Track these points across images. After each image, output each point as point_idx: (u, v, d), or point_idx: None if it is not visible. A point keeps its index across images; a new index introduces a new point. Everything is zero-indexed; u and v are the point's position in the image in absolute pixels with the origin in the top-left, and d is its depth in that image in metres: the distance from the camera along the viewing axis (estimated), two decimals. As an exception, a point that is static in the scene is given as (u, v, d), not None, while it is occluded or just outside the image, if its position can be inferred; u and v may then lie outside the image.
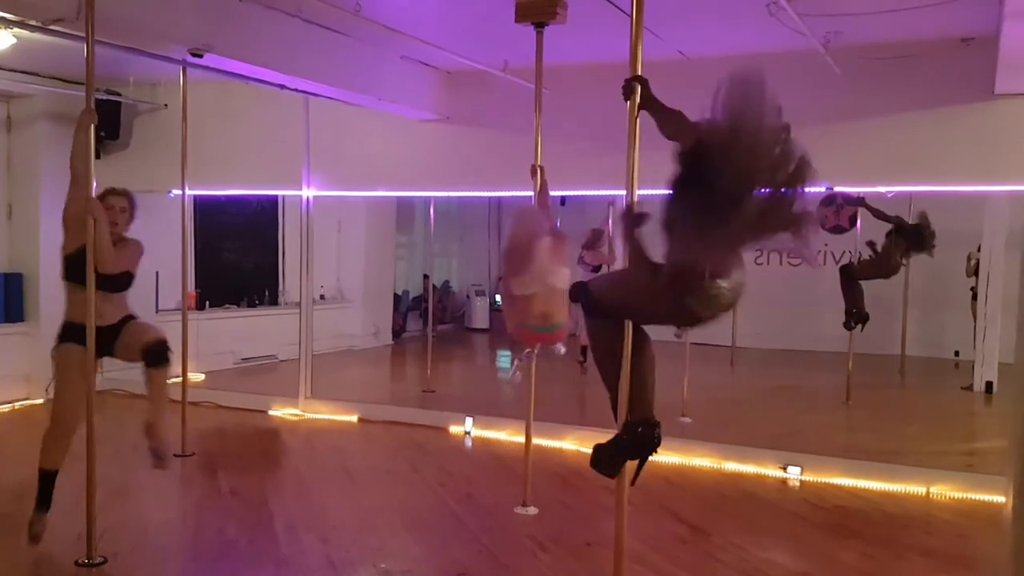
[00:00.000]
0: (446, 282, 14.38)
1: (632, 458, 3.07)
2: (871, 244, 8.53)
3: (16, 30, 5.50)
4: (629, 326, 3.06)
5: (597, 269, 9.17)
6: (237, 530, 4.70)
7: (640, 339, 3.08)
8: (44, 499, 4.30)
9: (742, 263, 2.87)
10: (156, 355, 4.25)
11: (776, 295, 11.83)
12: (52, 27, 4.55)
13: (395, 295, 13.11)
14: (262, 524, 4.82)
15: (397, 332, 12.95)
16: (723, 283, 2.78)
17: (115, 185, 4.59)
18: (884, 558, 4.55)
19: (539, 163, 5.09)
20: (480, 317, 14.29)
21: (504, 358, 12.50)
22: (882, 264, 8.43)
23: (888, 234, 8.36)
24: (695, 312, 2.83)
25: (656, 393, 3.16)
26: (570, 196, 9.38)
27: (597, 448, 3.15)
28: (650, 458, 3.08)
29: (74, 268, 4.19)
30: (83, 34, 4.04)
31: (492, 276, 14.95)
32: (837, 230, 11.42)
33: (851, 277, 8.56)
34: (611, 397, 3.16)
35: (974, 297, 9.89)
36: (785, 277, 12.16)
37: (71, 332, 4.23)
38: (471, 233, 14.32)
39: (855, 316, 8.45)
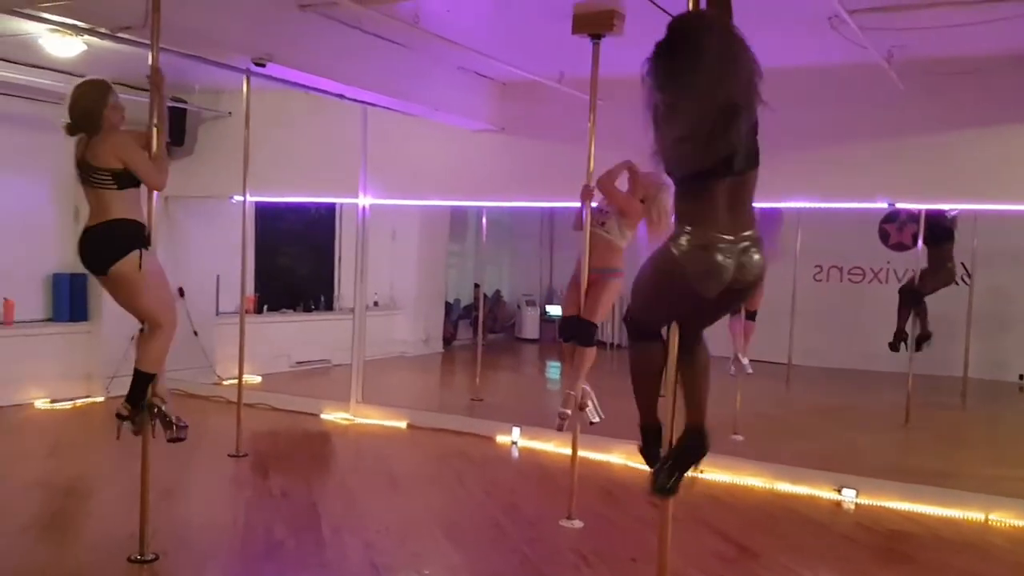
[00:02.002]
0: (497, 291, 14.41)
1: (685, 467, 3.06)
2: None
3: (86, 37, 5.70)
4: (674, 336, 3.03)
5: None
6: (285, 531, 4.77)
7: (694, 348, 3.05)
8: (141, 396, 4.27)
9: (759, 242, 2.80)
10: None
11: (834, 312, 11.62)
12: (120, 34, 4.69)
13: (446, 303, 13.19)
14: (309, 526, 4.88)
15: (447, 340, 13.02)
16: (723, 244, 2.71)
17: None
18: (938, 586, 4.43)
19: (591, 183, 5.11)
20: (530, 327, 14.29)
21: (554, 369, 12.48)
22: (941, 272, 8.25)
23: (937, 241, 8.19)
24: (683, 265, 2.73)
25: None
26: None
27: (654, 475, 3.15)
28: (696, 472, 3.06)
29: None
30: (150, 41, 4.17)
31: (543, 286, 14.96)
32: (899, 247, 11.18)
33: (916, 295, 8.37)
34: (641, 422, 3.20)
35: None
36: (844, 294, 11.97)
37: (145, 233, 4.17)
38: (523, 243, 14.34)
39: (904, 340, 8.32)
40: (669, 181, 4.83)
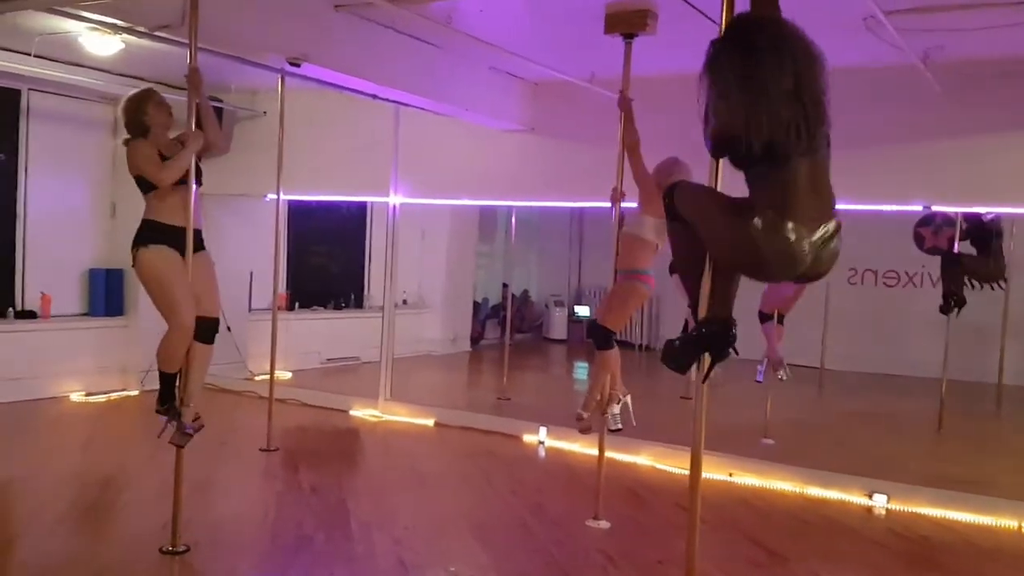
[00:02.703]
0: (525, 291, 14.42)
1: (704, 353, 2.98)
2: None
3: (124, 36, 5.80)
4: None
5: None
6: (314, 526, 4.81)
7: None
8: (168, 397, 4.38)
9: (834, 224, 2.76)
10: (210, 331, 4.40)
11: (868, 316, 11.50)
12: (158, 33, 4.76)
13: (474, 303, 13.22)
14: (338, 521, 4.92)
15: (475, 339, 13.06)
16: (805, 232, 2.67)
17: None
18: (971, 594, 4.37)
19: (620, 186, 5.08)
20: (558, 328, 14.29)
21: (581, 369, 12.46)
22: (989, 265, 8.12)
23: (983, 240, 8.07)
24: (760, 247, 2.67)
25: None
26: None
27: (669, 343, 3.10)
28: (726, 362, 2.99)
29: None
30: (187, 40, 4.23)
31: (571, 286, 14.94)
32: (934, 251, 11.01)
33: (955, 264, 8.25)
34: (691, 303, 3.06)
35: None
36: (878, 298, 11.83)
37: (162, 233, 4.24)
38: (551, 243, 14.34)
39: (954, 301, 8.17)
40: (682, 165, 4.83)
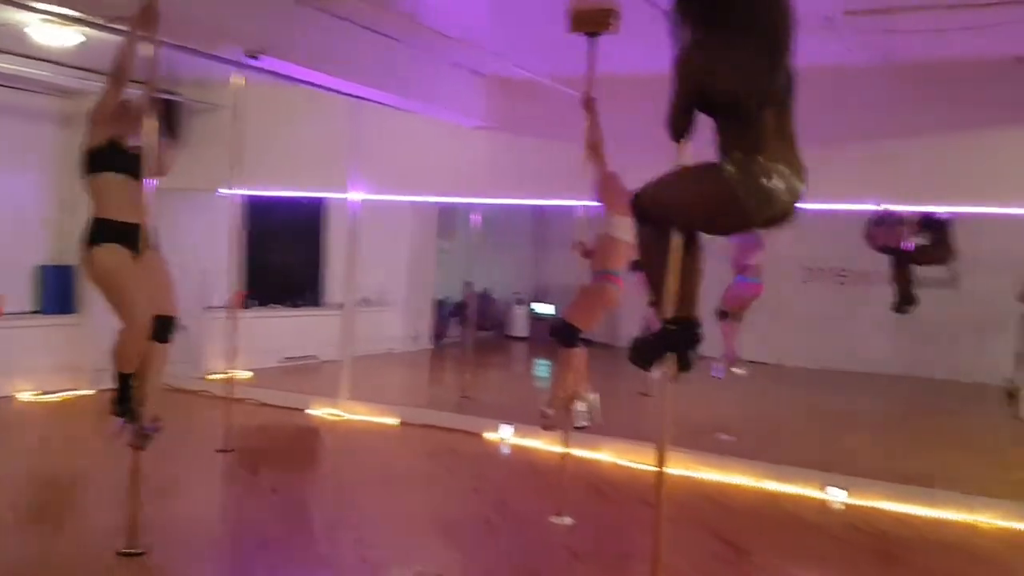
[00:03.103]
0: (486, 289, 14.39)
1: (670, 351, 3.04)
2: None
3: (82, 28, 5.65)
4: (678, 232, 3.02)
5: None
6: (276, 527, 4.75)
7: (691, 244, 3.05)
8: (124, 398, 4.27)
9: (802, 167, 2.81)
10: (167, 330, 4.31)
11: (821, 314, 11.69)
12: (115, 25, 4.65)
13: (436, 301, 13.17)
14: (300, 522, 4.86)
15: (437, 337, 13.00)
16: (777, 168, 2.73)
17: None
18: (927, 586, 4.45)
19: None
20: (519, 325, 14.30)
21: (543, 367, 12.48)
22: (939, 249, 8.28)
23: (936, 223, 8.24)
24: (735, 190, 2.72)
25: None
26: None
27: (636, 341, 3.16)
28: (690, 361, 3.05)
29: (106, 158, 4.15)
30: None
31: (533, 285, 14.95)
32: (885, 250, 11.22)
33: (905, 261, 8.41)
34: (655, 304, 3.11)
35: None
36: (830, 296, 12.04)
37: (111, 231, 4.12)
38: (512, 241, 14.32)
39: (906, 301, 8.32)
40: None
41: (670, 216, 3.00)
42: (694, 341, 3.04)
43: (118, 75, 4.16)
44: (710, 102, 2.79)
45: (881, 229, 11.33)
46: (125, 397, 4.28)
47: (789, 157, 2.79)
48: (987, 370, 10.46)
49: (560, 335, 5.07)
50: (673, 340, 3.02)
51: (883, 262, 10.53)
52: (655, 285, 3.09)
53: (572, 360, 5.05)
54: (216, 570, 4.25)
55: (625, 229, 4.97)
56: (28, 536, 4.51)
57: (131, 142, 4.29)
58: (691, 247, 3.05)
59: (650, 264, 3.13)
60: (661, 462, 3.19)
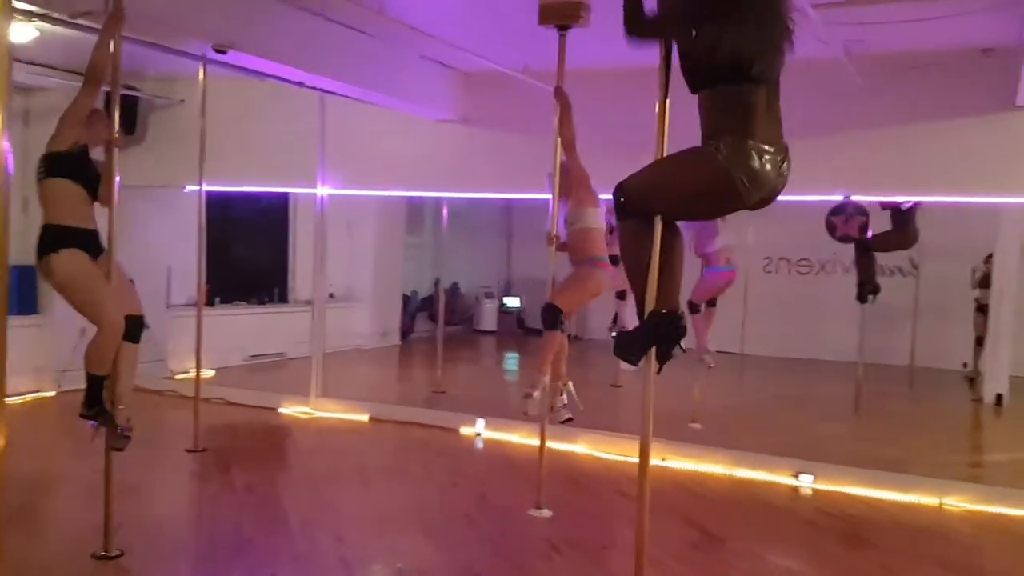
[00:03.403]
0: (454, 284, 14.37)
1: (655, 345, 3.06)
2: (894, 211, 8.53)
3: (39, 23, 5.52)
4: (659, 223, 3.02)
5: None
6: (253, 526, 4.70)
7: (671, 236, 3.07)
8: (96, 399, 4.20)
9: (786, 147, 2.84)
10: (138, 329, 4.27)
11: (783, 303, 11.87)
12: (79, 20, 4.56)
13: (403, 296, 13.11)
14: (277, 521, 4.82)
15: (405, 333, 12.95)
16: (767, 150, 2.76)
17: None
18: (899, 568, 4.54)
19: (556, 175, 5.09)
20: (488, 319, 14.31)
21: (512, 360, 12.51)
22: (904, 234, 8.44)
23: (904, 210, 8.39)
24: (730, 173, 2.75)
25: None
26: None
27: (621, 335, 3.18)
28: (675, 354, 3.08)
29: (71, 165, 4.09)
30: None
31: (501, 279, 14.97)
32: (846, 239, 11.40)
33: (867, 249, 8.57)
34: (638, 299, 3.11)
35: (977, 309, 9.90)
36: (792, 285, 12.23)
37: (71, 237, 4.07)
38: (481, 235, 14.31)
39: (868, 289, 8.47)
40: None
41: (655, 205, 3.00)
42: (678, 333, 3.05)
43: (94, 77, 4.09)
44: (712, 61, 2.77)
45: (840, 219, 11.54)
46: (98, 399, 4.21)
47: (776, 138, 2.82)
48: (947, 356, 10.71)
49: (543, 316, 5.06)
50: (659, 333, 3.03)
51: (845, 251, 10.78)
52: (638, 278, 3.09)
53: (553, 342, 5.05)
54: (195, 571, 4.20)
55: (600, 218, 5.04)
56: (3, 540, 4.40)
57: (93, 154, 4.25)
58: (671, 238, 3.06)
59: (634, 257, 3.11)
60: (645, 454, 3.22)
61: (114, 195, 4.14)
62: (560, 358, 5.14)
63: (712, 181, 2.81)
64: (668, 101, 3.04)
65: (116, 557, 4.13)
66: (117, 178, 4.15)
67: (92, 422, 4.23)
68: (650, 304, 3.03)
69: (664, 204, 3.00)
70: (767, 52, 2.76)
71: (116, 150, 4.15)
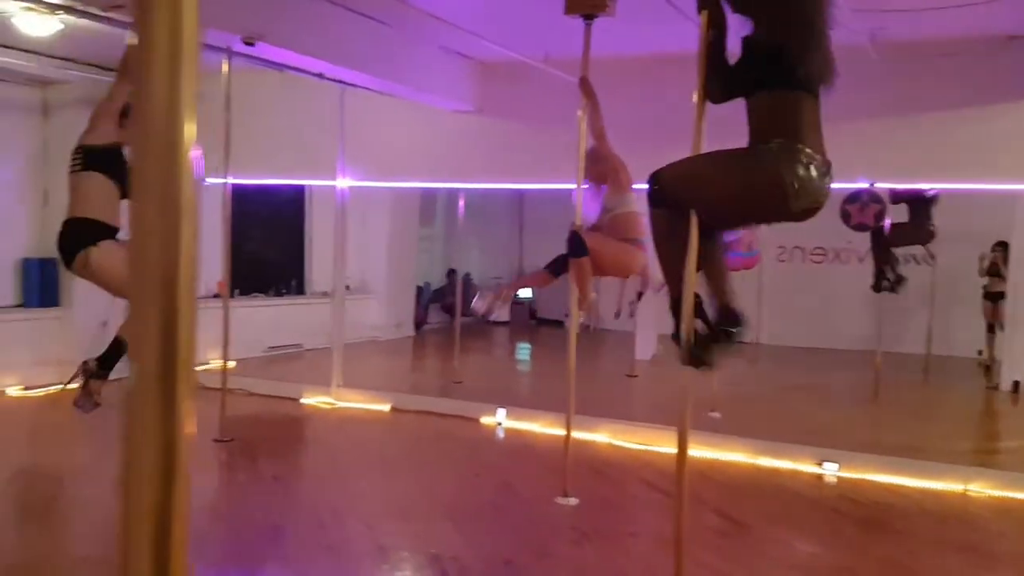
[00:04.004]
0: (467, 274, 14.40)
1: (720, 344, 3.05)
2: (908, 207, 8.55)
3: (63, 16, 5.55)
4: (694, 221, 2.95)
5: None
6: (283, 515, 4.75)
7: (714, 235, 3.04)
8: (111, 365, 4.28)
9: (828, 162, 2.80)
10: None
11: (798, 292, 11.87)
12: (110, 14, 4.59)
13: (417, 287, 13.15)
14: (307, 510, 4.87)
15: (418, 324, 13.00)
16: (816, 158, 2.72)
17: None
18: (926, 554, 4.57)
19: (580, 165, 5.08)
20: (501, 310, 14.31)
21: (524, 350, 12.55)
22: (920, 231, 8.45)
23: (922, 201, 8.40)
24: (781, 176, 2.68)
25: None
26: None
27: (688, 342, 3.04)
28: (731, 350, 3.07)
29: (108, 160, 4.15)
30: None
31: (513, 269, 14.99)
32: (861, 228, 11.39)
33: (884, 243, 8.59)
34: (672, 295, 3.07)
35: (985, 296, 9.90)
36: (807, 274, 12.22)
37: (103, 230, 4.15)
38: (493, 226, 14.34)
39: (892, 280, 8.51)
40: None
41: (692, 202, 2.93)
42: (739, 329, 3.04)
43: (128, 72, 4.12)
44: (779, 67, 2.75)
45: (856, 207, 11.52)
46: (112, 366, 4.25)
47: (821, 150, 2.78)
48: (961, 343, 10.72)
49: (568, 244, 4.98)
50: (725, 336, 3.02)
51: (860, 240, 10.77)
52: (672, 272, 3.05)
53: (583, 266, 4.95)
54: (235, 560, 4.24)
55: (637, 203, 4.99)
56: (38, 531, 4.47)
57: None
58: (712, 239, 3.02)
59: (666, 251, 3.08)
60: (683, 446, 3.23)
61: None
62: (588, 279, 5.07)
63: (760, 182, 2.74)
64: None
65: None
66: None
67: (83, 372, 4.29)
68: (688, 299, 2.99)
69: (703, 201, 2.93)
70: (825, 62, 2.77)
71: None
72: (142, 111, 0.90)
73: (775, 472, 6.06)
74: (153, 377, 0.87)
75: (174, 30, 0.86)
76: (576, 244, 4.96)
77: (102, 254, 4.09)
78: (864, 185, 7.34)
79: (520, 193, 13.66)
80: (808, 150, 2.70)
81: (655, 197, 3.04)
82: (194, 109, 0.88)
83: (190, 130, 0.87)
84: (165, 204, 0.87)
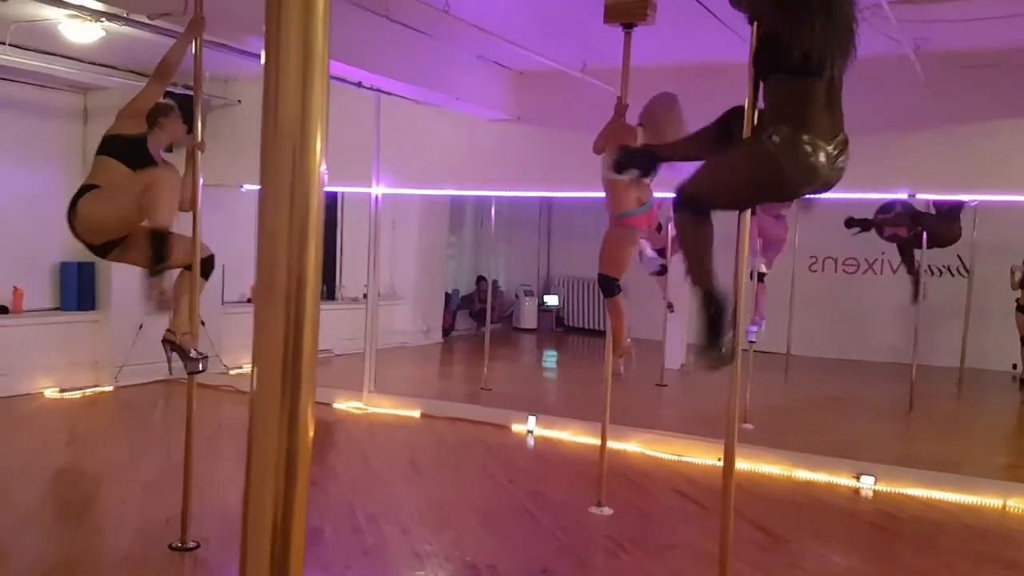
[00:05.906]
0: (494, 281, 14.40)
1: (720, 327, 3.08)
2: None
3: (105, 23, 5.62)
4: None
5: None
6: (320, 519, 4.76)
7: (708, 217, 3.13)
8: (162, 259, 4.19)
9: (842, 136, 2.87)
10: (209, 269, 4.42)
11: (830, 303, 11.76)
12: (157, 22, 4.64)
13: (445, 294, 13.18)
14: (343, 514, 4.89)
15: (446, 330, 13.02)
16: (821, 144, 2.79)
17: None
18: (965, 570, 4.51)
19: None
20: (528, 317, 14.33)
21: (551, 358, 12.52)
22: (949, 229, 8.39)
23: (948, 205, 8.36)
24: (781, 165, 2.80)
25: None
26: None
27: (701, 348, 3.13)
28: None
29: (121, 148, 4.21)
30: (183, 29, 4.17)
31: (541, 276, 14.99)
32: (893, 239, 11.28)
33: (911, 248, 8.56)
34: (704, 295, 3.10)
35: (1018, 309, 9.76)
36: (839, 285, 12.10)
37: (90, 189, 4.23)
38: (521, 233, 14.35)
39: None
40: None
41: (717, 201, 3.07)
42: (723, 312, 3.08)
43: (162, 73, 4.18)
44: (777, 53, 2.81)
45: (889, 218, 11.43)
46: (163, 256, 4.16)
47: (836, 130, 2.85)
48: (995, 357, 10.56)
49: (600, 287, 4.96)
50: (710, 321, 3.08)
51: (892, 251, 10.66)
52: (700, 270, 3.11)
53: (618, 308, 4.93)
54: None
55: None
56: (75, 532, 4.52)
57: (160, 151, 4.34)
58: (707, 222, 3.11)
59: (693, 248, 3.16)
60: (730, 458, 3.22)
61: (197, 199, 4.22)
62: (623, 318, 5.03)
63: (767, 177, 2.88)
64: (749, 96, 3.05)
65: (193, 549, 4.21)
66: (200, 180, 4.23)
67: (169, 351, 4.35)
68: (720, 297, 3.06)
69: (722, 199, 3.08)
70: (833, 50, 2.78)
71: (199, 153, 4.23)
72: (271, 127, 0.94)
73: (811, 485, 6.01)
74: (278, 381, 0.89)
75: (308, 48, 0.89)
76: (607, 284, 4.97)
77: (84, 204, 4.14)
78: (902, 196, 7.24)
79: (548, 201, 13.66)
80: (809, 137, 2.78)
81: (686, 204, 3.13)
82: (324, 126, 0.91)
83: (320, 146, 0.90)
84: (294, 217, 0.90)
